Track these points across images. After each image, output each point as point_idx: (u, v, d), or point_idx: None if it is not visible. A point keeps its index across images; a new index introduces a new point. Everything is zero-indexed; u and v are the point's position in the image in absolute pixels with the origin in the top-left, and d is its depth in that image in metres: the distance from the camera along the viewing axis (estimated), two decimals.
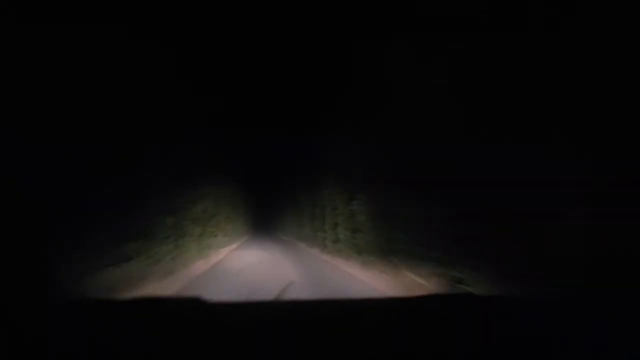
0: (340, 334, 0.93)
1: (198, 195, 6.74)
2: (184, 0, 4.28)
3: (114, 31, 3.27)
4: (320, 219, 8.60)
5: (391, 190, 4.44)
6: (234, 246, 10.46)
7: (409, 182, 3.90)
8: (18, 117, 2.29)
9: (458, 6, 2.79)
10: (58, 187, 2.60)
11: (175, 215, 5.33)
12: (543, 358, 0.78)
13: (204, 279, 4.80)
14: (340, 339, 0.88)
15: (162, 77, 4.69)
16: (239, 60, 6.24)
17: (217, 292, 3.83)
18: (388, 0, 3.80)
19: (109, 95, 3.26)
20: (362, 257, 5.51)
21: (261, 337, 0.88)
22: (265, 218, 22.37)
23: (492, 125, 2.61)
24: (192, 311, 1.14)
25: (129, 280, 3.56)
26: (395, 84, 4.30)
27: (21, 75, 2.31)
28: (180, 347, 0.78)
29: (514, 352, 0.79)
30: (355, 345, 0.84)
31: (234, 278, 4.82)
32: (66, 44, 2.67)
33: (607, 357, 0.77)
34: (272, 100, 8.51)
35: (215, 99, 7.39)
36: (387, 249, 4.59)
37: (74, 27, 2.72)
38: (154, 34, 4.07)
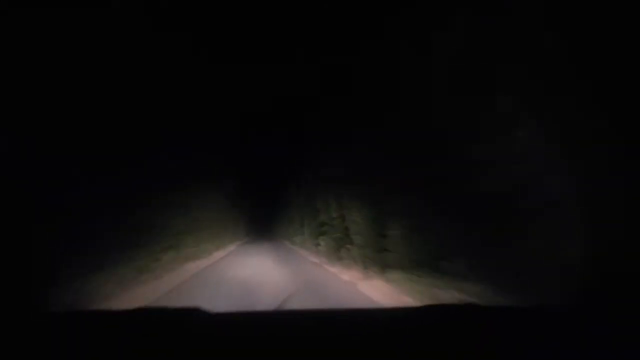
0: (342, 345, 0.92)
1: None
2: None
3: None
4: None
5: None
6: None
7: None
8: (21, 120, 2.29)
9: None
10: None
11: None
12: None
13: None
14: (341, 350, 0.87)
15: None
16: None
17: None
18: None
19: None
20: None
21: (260, 349, 0.88)
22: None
23: None
24: (190, 321, 1.13)
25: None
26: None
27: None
28: (179, 358, 0.77)
29: None
30: (357, 356, 0.84)
31: None
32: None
33: None
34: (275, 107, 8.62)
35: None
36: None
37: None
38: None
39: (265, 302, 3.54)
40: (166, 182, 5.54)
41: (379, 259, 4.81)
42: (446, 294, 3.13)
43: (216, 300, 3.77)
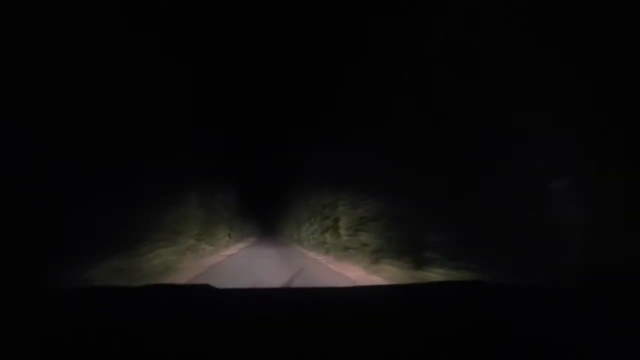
0: (349, 318, 0.93)
1: None
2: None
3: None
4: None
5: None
6: None
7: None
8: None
9: None
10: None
11: None
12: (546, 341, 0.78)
13: None
14: (349, 324, 0.89)
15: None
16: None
17: None
18: None
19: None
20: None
21: (268, 323, 0.90)
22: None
23: None
24: (199, 297, 1.17)
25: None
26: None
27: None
28: (191, 331, 0.80)
29: (518, 334, 0.80)
30: (364, 331, 0.85)
31: None
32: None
33: (606, 341, 0.78)
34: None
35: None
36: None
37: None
38: None
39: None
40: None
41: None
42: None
43: None
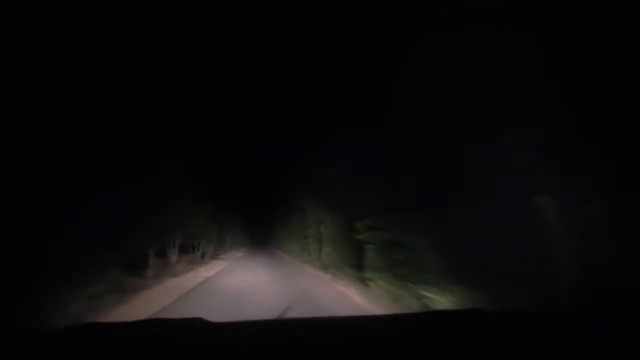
0: (344, 352, 0.92)
1: None
2: None
3: None
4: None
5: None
6: None
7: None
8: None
9: None
10: None
11: None
12: None
13: None
14: (346, 356, 0.87)
15: None
16: None
17: None
18: None
19: None
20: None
21: (260, 356, 0.88)
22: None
23: None
24: (194, 331, 1.14)
25: None
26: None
27: None
28: None
29: None
30: None
31: None
32: None
33: None
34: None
35: None
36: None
37: None
38: None
39: None
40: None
41: None
42: None
43: None
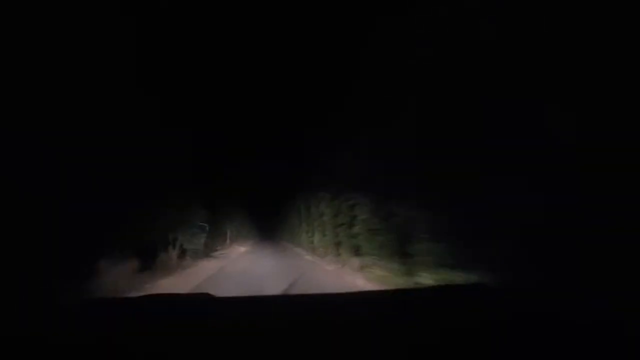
0: (352, 325, 0.93)
1: None
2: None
3: None
4: None
5: None
6: None
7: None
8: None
9: None
10: None
11: None
12: (552, 330, 0.79)
13: None
14: (351, 330, 0.88)
15: None
16: None
17: None
18: None
19: None
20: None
21: (266, 332, 0.90)
22: None
23: None
24: (199, 306, 1.17)
25: None
26: None
27: None
28: (190, 341, 0.80)
29: (524, 328, 0.80)
30: (373, 334, 0.85)
31: None
32: None
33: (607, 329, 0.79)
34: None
35: None
36: None
37: None
38: None
39: None
40: None
41: None
42: None
43: None
